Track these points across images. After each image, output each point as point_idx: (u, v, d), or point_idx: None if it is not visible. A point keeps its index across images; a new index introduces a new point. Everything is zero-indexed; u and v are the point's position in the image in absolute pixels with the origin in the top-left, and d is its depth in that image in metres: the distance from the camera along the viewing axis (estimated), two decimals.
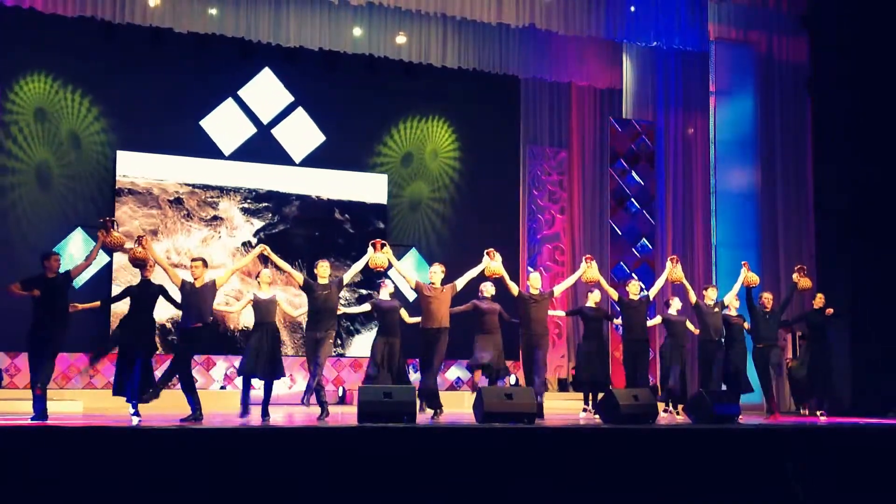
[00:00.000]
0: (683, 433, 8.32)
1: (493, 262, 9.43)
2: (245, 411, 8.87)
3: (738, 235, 14.03)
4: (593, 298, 10.40)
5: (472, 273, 9.51)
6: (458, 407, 11.07)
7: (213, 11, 12.20)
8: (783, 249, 13.59)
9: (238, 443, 6.94)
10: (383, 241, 9.29)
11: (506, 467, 7.23)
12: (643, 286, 10.61)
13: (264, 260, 9.02)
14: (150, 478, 6.44)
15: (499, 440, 7.47)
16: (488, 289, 9.68)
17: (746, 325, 10.55)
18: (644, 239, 13.90)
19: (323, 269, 8.97)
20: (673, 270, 10.24)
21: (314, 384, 8.80)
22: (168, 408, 8.60)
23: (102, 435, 6.90)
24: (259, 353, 8.74)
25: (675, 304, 10.76)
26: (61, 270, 8.15)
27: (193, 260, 8.64)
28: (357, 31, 12.98)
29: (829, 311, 10.71)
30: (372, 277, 9.37)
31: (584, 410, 10.23)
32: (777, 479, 7.70)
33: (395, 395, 8.07)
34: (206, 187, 13.34)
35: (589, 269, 9.93)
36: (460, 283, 9.42)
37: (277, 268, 9.11)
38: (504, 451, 7.33)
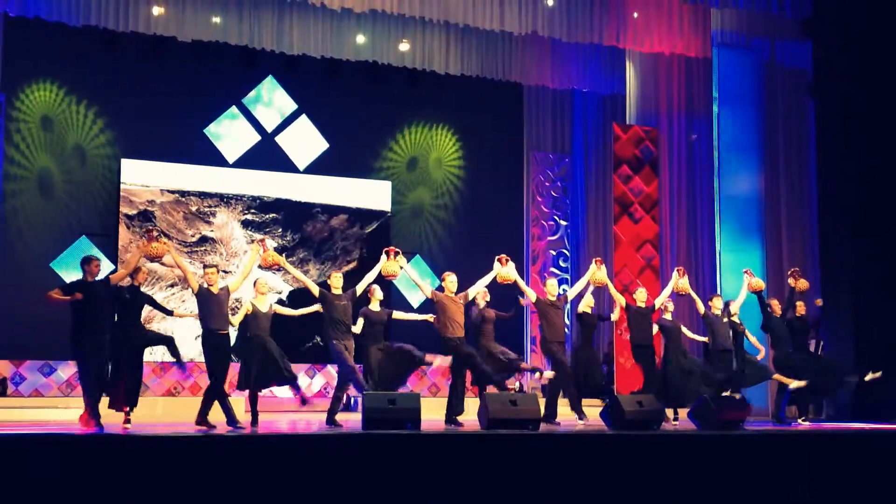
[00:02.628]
0: (689, 439, 8.31)
1: (504, 269, 9.41)
2: (255, 421, 8.74)
3: (743, 240, 14.00)
4: (587, 304, 10.31)
5: (485, 281, 9.42)
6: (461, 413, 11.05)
7: (217, 20, 12.23)
8: (787, 254, 13.56)
9: (242, 450, 6.94)
10: (396, 249, 9.21)
11: (510, 473, 7.22)
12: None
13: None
14: (155, 486, 6.44)
15: (503, 446, 7.46)
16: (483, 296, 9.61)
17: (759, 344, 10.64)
18: (648, 245, 13.90)
19: (336, 280, 8.97)
20: (679, 281, 10.24)
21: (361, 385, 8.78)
22: (167, 416, 8.60)
23: (105, 443, 6.91)
24: (267, 362, 8.63)
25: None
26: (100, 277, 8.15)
27: (207, 266, 8.65)
28: (360, 39, 13.01)
29: (818, 301, 10.70)
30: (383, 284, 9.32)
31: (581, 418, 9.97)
32: (783, 485, 7.69)
33: (399, 401, 8.07)
34: (202, 195, 13.24)
35: (598, 272, 9.94)
36: (472, 291, 9.37)
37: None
38: (509, 458, 7.33)
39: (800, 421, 10.39)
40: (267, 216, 13.63)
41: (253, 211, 13.58)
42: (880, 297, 11.88)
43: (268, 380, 8.78)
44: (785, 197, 13.76)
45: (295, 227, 13.69)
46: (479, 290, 9.40)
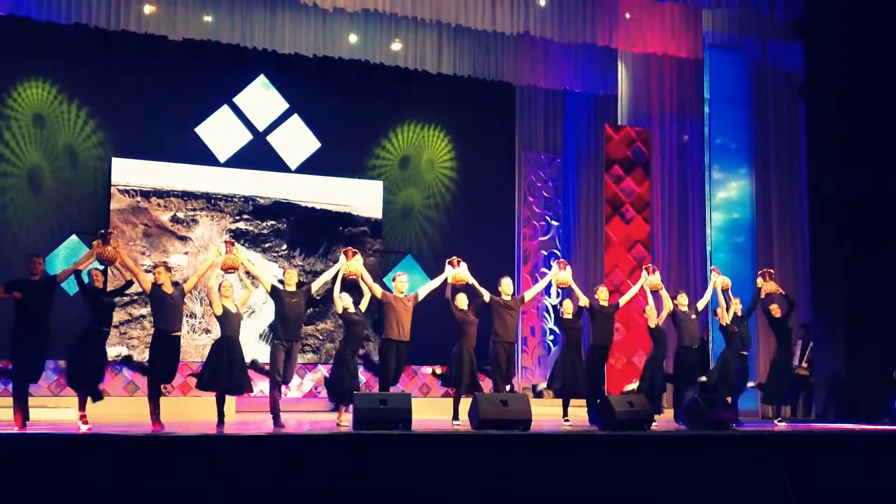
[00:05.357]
0: (679, 439, 8.33)
1: (455, 270, 9.43)
2: (221, 421, 8.66)
3: (733, 241, 14.06)
4: (566, 310, 10.30)
5: (434, 283, 9.52)
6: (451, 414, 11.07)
7: (209, 18, 12.21)
8: (778, 254, 13.61)
9: (234, 451, 6.94)
10: (354, 249, 9.34)
11: (501, 473, 7.23)
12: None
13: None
14: (141, 486, 6.43)
15: (494, 446, 7.47)
16: (462, 300, 9.55)
17: None
18: (639, 245, 13.92)
19: (290, 277, 9.04)
20: (649, 279, 10.23)
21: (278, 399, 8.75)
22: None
23: (94, 443, 6.89)
24: (227, 366, 8.59)
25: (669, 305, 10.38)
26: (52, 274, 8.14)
27: (156, 266, 8.65)
28: (352, 38, 13.00)
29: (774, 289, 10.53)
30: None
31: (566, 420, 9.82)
32: (772, 484, 7.71)
33: (390, 402, 8.08)
34: (186, 195, 12.96)
35: (560, 273, 9.95)
36: (422, 292, 9.47)
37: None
38: (500, 458, 7.34)
39: (776, 422, 10.37)
40: (264, 224, 13.43)
41: (246, 217, 13.36)
42: (871, 296, 11.94)
43: (233, 387, 8.73)
44: (776, 197, 13.80)
45: (283, 226, 13.60)
46: (427, 292, 9.46)
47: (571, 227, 14.75)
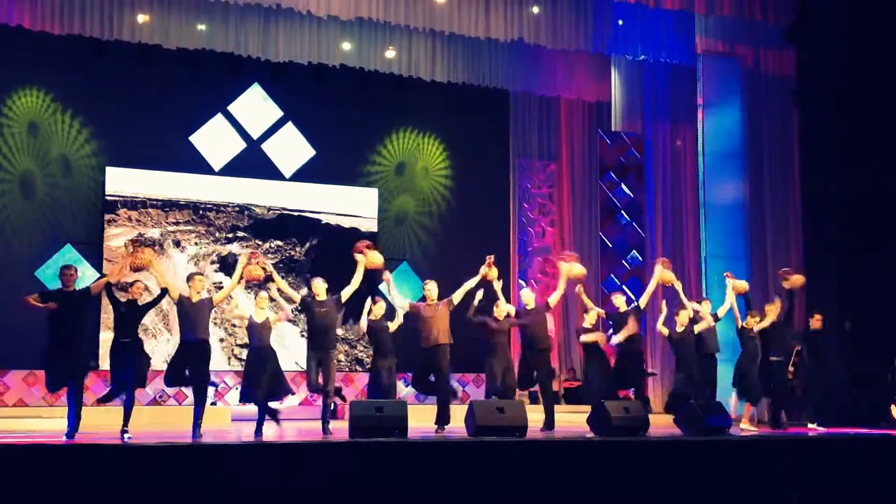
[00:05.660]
0: (675, 445, 8.32)
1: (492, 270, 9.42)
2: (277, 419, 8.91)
3: (728, 247, 14.07)
4: (589, 319, 10.31)
5: (470, 284, 9.45)
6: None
7: (202, 27, 12.22)
8: (772, 260, 13.62)
9: (230, 459, 6.92)
10: (369, 242, 9.14)
11: (498, 481, 7.21)
12: (632, 297, 10.63)
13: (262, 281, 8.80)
14: (143, 496, 6.40)
15: (490, 453, 7.46)
16: (503, 307, 9.54)
17: None
18: (634, 251, 13.94)
19: (318, 287, 8.87)
20: (663, 272, 10.22)
21: (329, 410, 8.82)
22: (153, 425, 8.56)
23: (93, 452, 6.86)
24: (258, 377, 8.65)
25: (682, 318, 10.36)
26: (80, 286, 8.07)
27: (194, 275, 8.60)
28: (346, 46, 13.01)
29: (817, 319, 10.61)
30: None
31: None
32: (770, 490, 7.71)
33: (386, 409, 8.06)
34: (180, 204, 12.94)
35: (573, 268, 9.96)
36: (457, 296, 9.39)
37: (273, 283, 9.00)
38: (496, 465, 7.32)
39: (811, 426, 10.38)
40: (267, 243, 13.38)
41: (241, 231, 13.31)
42: (865, 300, 11.96)
43: (276, 393, 8.80)
44: (769, 203, 13.83)
45: (279, 235, 13.55)
46: (463, 294, 9.37)
47: (566, 233, 14.77)
